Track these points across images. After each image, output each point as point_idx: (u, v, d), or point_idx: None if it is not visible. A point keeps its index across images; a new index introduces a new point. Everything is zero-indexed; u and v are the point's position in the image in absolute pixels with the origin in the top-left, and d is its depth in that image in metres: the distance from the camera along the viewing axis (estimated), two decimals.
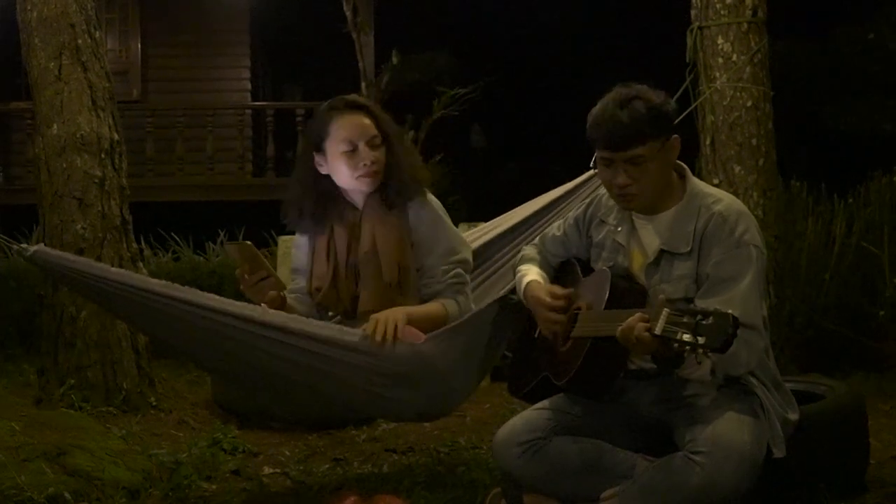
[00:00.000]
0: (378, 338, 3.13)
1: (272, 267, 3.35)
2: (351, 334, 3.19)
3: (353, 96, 3.54)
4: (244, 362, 3.25)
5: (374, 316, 3.21)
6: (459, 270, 3.48)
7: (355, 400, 3.34)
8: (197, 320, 3.13)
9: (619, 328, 2.63)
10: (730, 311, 2.39)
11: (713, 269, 2.86)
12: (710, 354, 2.42)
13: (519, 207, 4.06)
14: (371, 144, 3.41)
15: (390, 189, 3.46)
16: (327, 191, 3.51)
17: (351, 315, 3.49)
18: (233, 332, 3.12)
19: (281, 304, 3.36)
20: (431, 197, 3.54)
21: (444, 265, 3.46)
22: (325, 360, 3.14)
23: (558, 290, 3.12)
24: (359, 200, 3.51)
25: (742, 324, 2.44)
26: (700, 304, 2.76)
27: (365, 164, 3.39)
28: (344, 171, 3.43)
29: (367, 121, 3.43)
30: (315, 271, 3.54)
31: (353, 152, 3.40)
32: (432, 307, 3.40)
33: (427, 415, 3.63)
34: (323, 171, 3.47)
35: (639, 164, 2.88)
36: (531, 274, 3.28)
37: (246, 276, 3.29)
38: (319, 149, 3.46)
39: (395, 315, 3.21)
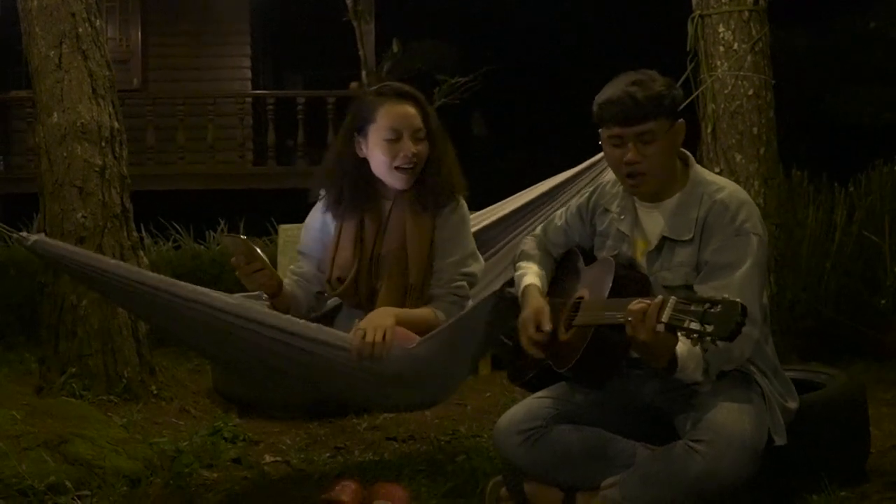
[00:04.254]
0: (369, 344, 3.13)
1: (267, 257, 3.37)
2: (344, 339, 3.18)
3: (404, 85, 3.50)
4: (242, 352, 3.27)
5: (360, 324, 3.20)
6: (464, 284, 3.47)
7: (351, 394, 3.36)
8: (196, 314, 3.13)
9: (628, 307, 2.61)
10: (738, 300, 2.38)
11: (712, 256, 2.87)
12: (718, 343, 2.41)
13: (521, 192, 4.06)
14: (415, 137, 3.39)
15: (426, 189, 3.42)
16: (363, 176, 3.47)
17: (365, 307, 3.48)
18: (230, 327, 3.12)
19: (277, 291, 3.38)
20: (463, 203, 3.53)
21: (452, 272, 3.45)
22: (320, 359, 3.14)
23: (545, 321, 3.08)
24: (391, 194, 3.49)
25: None
26: (698, 290, 2.77)
27: (405, 155, 3.36)
28: (382, 160, 3.39)
29: (413, 111, 3.40)
30: (338, 260, 3.50)
31: (395, 141, 3.37)
32: (422, 312, 3.39)
33: (420, 406, 3.67)
34: (361, 154, 3.45)
35: (649, 141, 2.90)
36: (530, 275, 3.26)
37: (242, 265, 3.30)
38: (362, 131, 3.43)
39: (383, 321, 3.20)
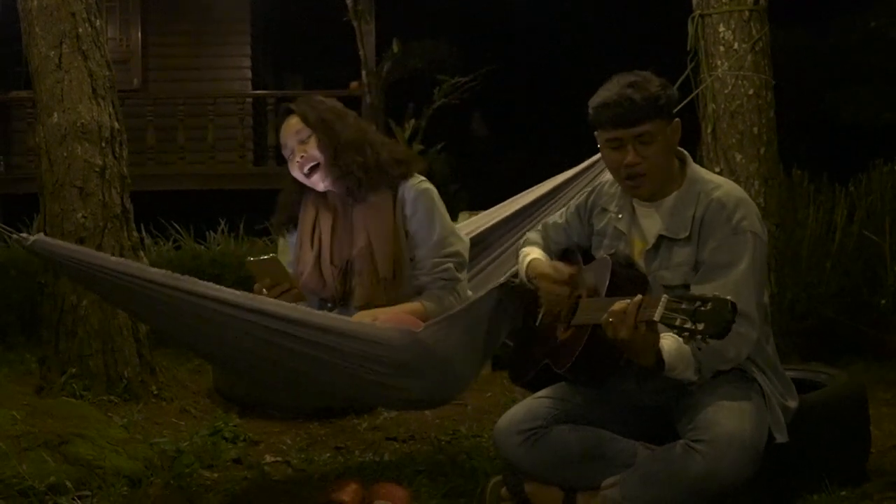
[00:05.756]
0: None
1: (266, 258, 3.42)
2: (349, 322, 3.21)
3: (288, 104, 3.66)
4: (245, 351, 3.24)
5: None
6: (449, 265, 3.49)
7: (355, 388, 3.33)
8: (197, 309, 3.11)
9: (610, 307, 2.62)
10: (728, 298, 2.39)
11: (709, 255, 2.87)
12: (708, 340, 2.42)
13: (521, 194, 4.06)
14: (298, 141, 3.54)
15: (356, 172, 3.49)
16: (303, 191, 3.66)
17: (341, 304, 3.53)
18: (233, 321, 3.10)
19: None
20: (429, 185, 3.57)
21: (435, 258, 3.49)
22: (325, 349, 3.13)
23: (563, 266, 3.13)
24: (351, 196, 3.57)
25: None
26: (695, 290, 2.77)
27: (298, 162, 3.53)
28: (296, 174, 3.57)
29: (293, 121, 3.57)
30: (301, 256, 3.61)
31: (290, 155, 3.56)
32: (410, 306, 3.43)
33: (429, 402, 3.62)
34: None
35: (647, 142, 2.90)
36: (534, 253, 3.30)
37: (265, 290, 3.37)
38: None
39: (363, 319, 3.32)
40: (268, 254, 3.49)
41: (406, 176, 3.55)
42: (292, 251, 3.70)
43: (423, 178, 3.58)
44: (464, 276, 3.59)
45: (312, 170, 3.52)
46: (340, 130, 3.53)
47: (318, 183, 3.54)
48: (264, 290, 3.37)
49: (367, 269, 3.47)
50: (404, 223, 3.51)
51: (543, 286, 3.15)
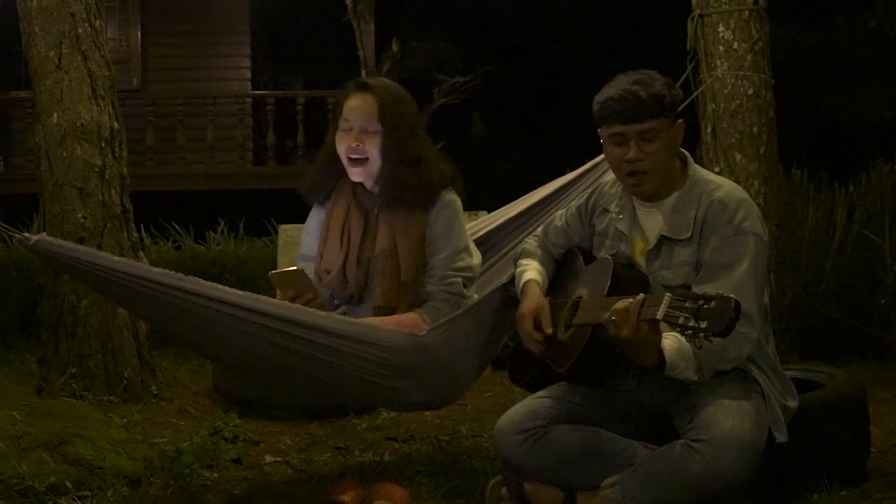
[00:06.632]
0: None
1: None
2: (351, 323, 3.20)
3: (374, 79, 3.56)
4: (246, 351, 3.23)
5: None
6: (458, 280, 3.46)
7: (357, 389, 3.33)
8: (199, 309, 3.10)
9: (613, 306, 2.62)
10: (732, 296, 2.39)
11: (710, 256, 2.87)
12: (711, 339, 2.42)
13: (523, 196, 4.05)
14: (362, 129, 3.42)
15: (402, 186, 3.43)
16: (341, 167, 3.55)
17: (355, 303, 3.50)
18: (235, 321, 3.09)
19: None
20: (455, 198, 3.54)
21: (446, 269, 3.45)
22: (326, 350, 3.12)
23: (545, 321, 3.10)
24: (379, 197, 3.52)
25: None
26: (696, 289, 2.76)
27: (348, 146, 3.42)
28: (340, 149, 3.46)
29: (369, 104, 3.43)
30: (326, 252, 3.54)
31: (348, 131, 3.43)
32: (408, 317, 3.40)
33: (431, 403, 3.61)
34: None
35: (651, 139, 2.91)
36: (530, 271, 3.28)
37: (291, 299, 3.31)
38: (335, 124, 3.51)
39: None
40: (292, 267, 3.44)
41: (441, 192, 3.51)
42: (316, 224, 3.63)
43: (451, 189, 3.56)
44: (471, 292, 3.54)
45: (359, 161, 3.44)
46: (408, 147, 3.45)
47: (357, 175, 3.47)
48: (287, 301, 3.34)
49: (389, 270, 3.44)
50: (426, 230, 3.49)
51: (520, 327, 3.15)
